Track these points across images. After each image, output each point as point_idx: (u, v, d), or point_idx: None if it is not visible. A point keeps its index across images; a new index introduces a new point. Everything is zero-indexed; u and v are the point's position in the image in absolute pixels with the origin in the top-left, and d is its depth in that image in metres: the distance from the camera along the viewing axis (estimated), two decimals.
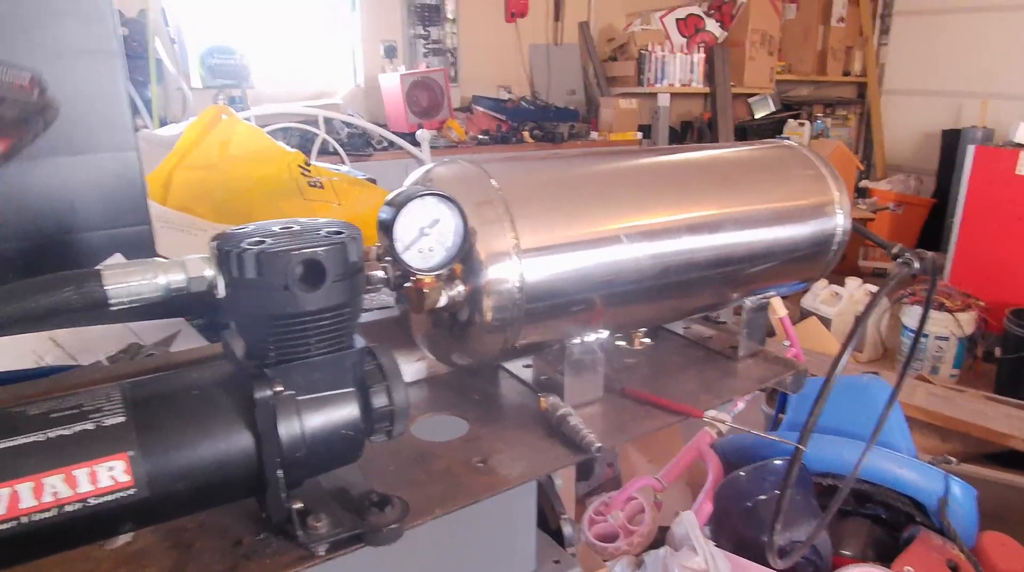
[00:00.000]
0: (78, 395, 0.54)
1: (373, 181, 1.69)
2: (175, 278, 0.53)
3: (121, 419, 0.52)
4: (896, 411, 1.83)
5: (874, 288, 3.50)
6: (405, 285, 0.68)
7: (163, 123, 2.85)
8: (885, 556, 1.54)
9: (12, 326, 0.50)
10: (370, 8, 3.88)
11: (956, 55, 5.24)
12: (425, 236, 0.66)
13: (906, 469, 1.61)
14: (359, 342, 0.61)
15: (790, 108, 5.38)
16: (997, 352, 3.21)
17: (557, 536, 1.31)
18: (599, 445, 0.73)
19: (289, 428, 0.55)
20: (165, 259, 0.55)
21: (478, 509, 0.68)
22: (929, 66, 5.47)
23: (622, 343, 1.03)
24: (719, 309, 1.04)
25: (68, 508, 0.49)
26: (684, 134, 4.96)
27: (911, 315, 3.31)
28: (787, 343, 1.58)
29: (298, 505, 0.58)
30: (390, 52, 3.83)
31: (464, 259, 0.71)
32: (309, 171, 1.33)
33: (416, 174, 0.80)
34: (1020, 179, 3.60)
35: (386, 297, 0.75)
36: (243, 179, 1.21)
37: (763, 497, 1.58)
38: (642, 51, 4.58)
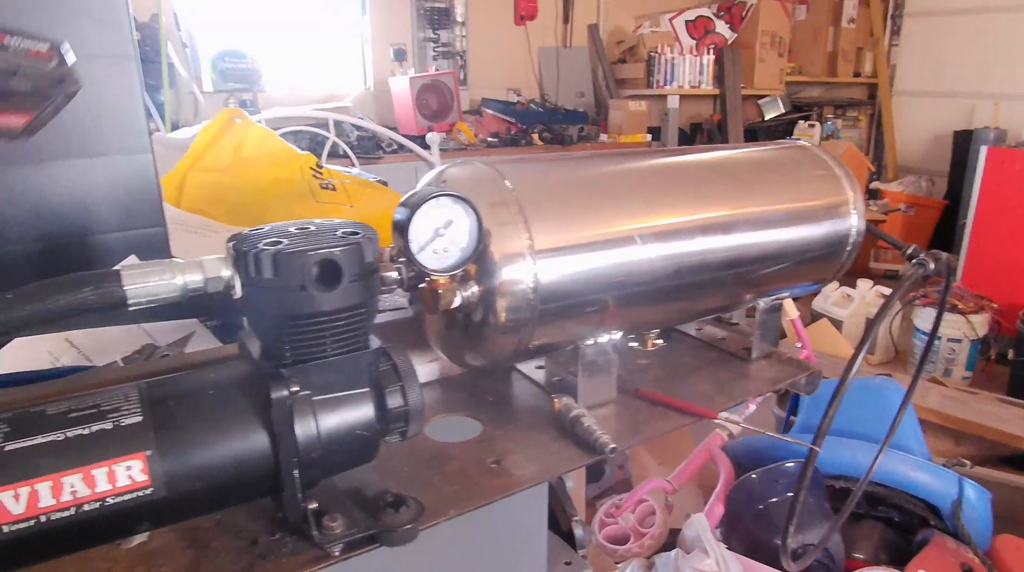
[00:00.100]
0: (95, 395, 0.54)
1: (384, 183, 1.69)
2: (192, 278, 0.54)
3: (139, 419, 0.52)
4: (909, 413, 1.82)
5: (886, 290, 3.48)
6: (419, 286, 0.68)
7: (175, 127, 2.88)
8: (898, 560, 1.53)
9: (32, 326, 0.51)
10: (380, 11, 3.90)
11: (968, 56, 5.21)
12: (440, 237, 0.66)
13: (920, 472, 1.60)
14: (374, 343, 0.61)
15: (800, 109, 5.36)
16: (1010, 354, 3.18)
17: (568, 538, 1.30)
18: (613, 446, 0.73)
19: (305, 428, 0.55)
20: (180, 260, 0.56)
21: (490, 510, 0.68)
22: (940, 67, 5.44)
23: (635, 344, 1.03)
24: (732, 310, 1.04)
25: (86, 507, 0.50)
26: (694, 136, 4.95)
27: (923, 317, 3.29)
28: (799, 345, 1.57)
29: (313, 505, 0.58)
30: (400, 55, 3.84)
31: (478, 260, 0.71)
32: (321, 173, 1.34)
33: (430, 175, 0.80)
34: None
35: (399, 298, 0.76)
36: (256, 181, 1.21)
37: (775, 499, 1.58)
38: (651, 53, 4.57)
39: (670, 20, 4.67)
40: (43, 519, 0.48)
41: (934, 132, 5.46)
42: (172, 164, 1.26)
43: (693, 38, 4.71)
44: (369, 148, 3.22)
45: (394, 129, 3.38)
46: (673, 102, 4.41)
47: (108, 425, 0.51)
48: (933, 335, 1.19)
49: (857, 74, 5.66)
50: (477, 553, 0.77)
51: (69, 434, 0.50)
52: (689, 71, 4.61)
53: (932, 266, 1.03)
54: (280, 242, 0.54)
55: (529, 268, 0.72)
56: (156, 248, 0.99)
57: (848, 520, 1.57)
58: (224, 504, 0.57)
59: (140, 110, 0.97)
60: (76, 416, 0.51)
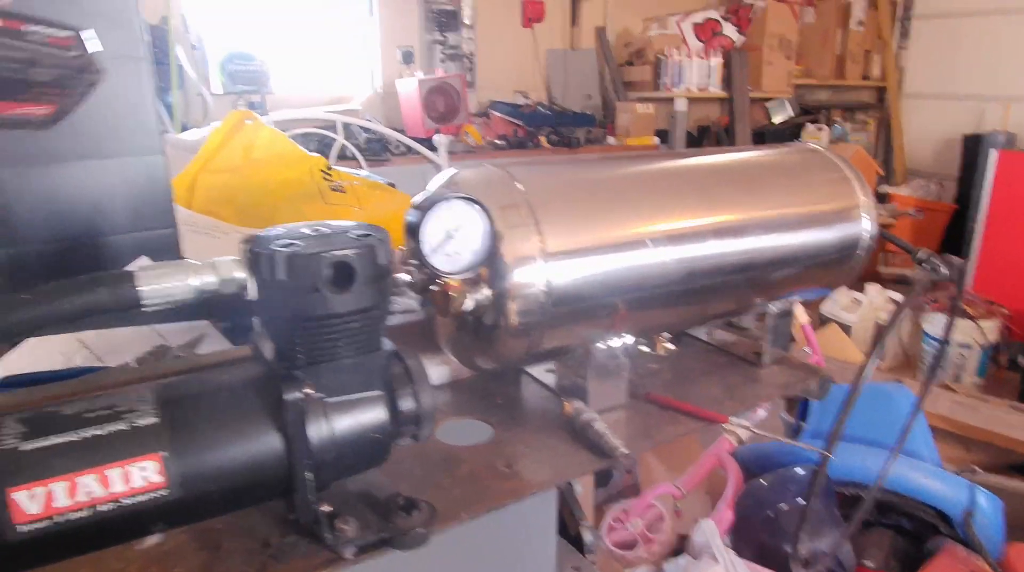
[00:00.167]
0: (111, 396, 0.54)
1: (392, 185, 1.70)
2: (207, 280, 0.54)
3: (154, 420, 0.52)
4: (920, 420, 1.80)
5: (895, 295, 3.46)
6: (431, 288, 0.68)
7: (184, 128, 2.89)
8: (908, 568, 1.52)
9: (48, 326, 0.51)
10: (388, 14, 3.90)
11: (977, 59, 5.18)
12: (451, 239, 0.66)
13: (930, 479, 1.59)
14: (387, 345, 0.61)
15: (808, 112, 5.34)
16: (1021, 360, 3.16)
17: (577, 543, 1.30)
18: (626, 452, 0.73)
19: (318, 430, 0.55)
20: (194, 261, 0.56)
21: (500, 514, 0.68)
22: (950, 70, 5.41)
23: (645, 348, 1.03)
24: (743, 314, 1.03)
25: (101, 508, 0.50)
26: (701, 139, 4.94)
27: (932, 322, 3.26)
28: (808, 350, 1.56)
29: (326, 507, 0.58)
30: (407, 58, 3.84)
31: (490, 263, 0.70)
32: (330, 175, 1.34)
33: (441, 177, 0.80)
34: None
35: (409, 301, 0.75)
36: (266, 183, 1.22)
37: (785, 505, 1.56)
38: (659, 56, 4.56)
39: (678, 23, 4.66)
40: (59, 519, 0.48)
41: (943, 135, 5.43)
42: (181, 165, 1.27)
43: (701, 40, 4.70)
44: (377, 150, 3.22)
45: (402, 131, 3.38)
46: (681, 105, 4.40)
47: (124, 426, 0.51)
48: (946, 341, 1.18)
49: (866, 77, 5.64)
50: (486, 557, 0.77)
51: (85, 435, 0.50)
52: (697, 74, 4.59)
53: (944, 270, 1.02)
54: (294, 244, 0.54)
55: (540, 271, 0.72)
56: (167, 249, 0.99)
57: (858, 527, 1.56)
58: (237, 505, 0.57)
59: (152, 112, 0.97)
60: (92, 417, 0.51)
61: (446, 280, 0.68)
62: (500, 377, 0.93)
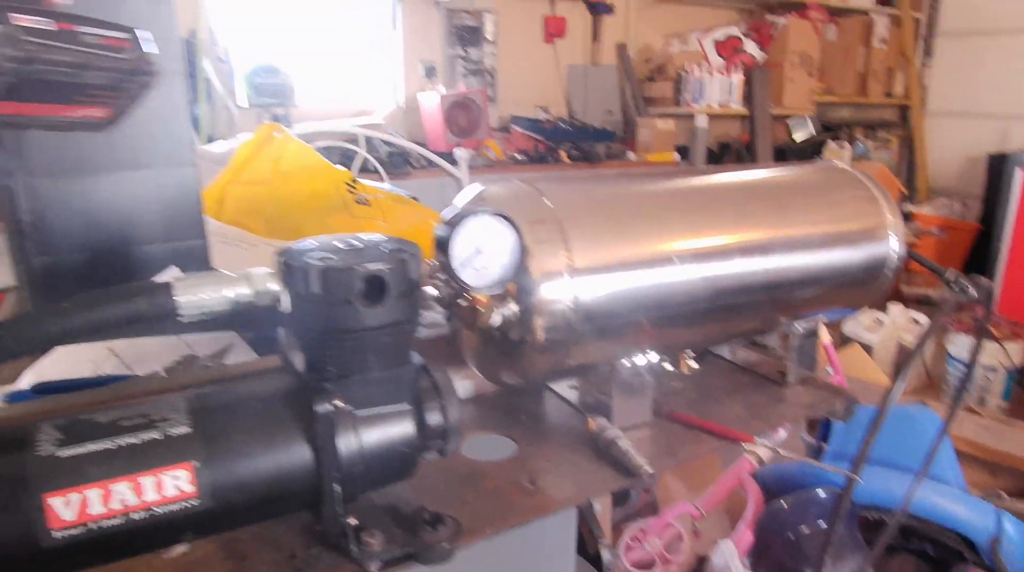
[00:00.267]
0: (145, 404, 0.55)
1: (415, 199, 1.71)
2: (241, 291, 0.55)
3: (187, 429, 0.53)
4: (945, 443, 1.77)
5: (918, 315, 3.41)
6: (459, 303, 0.69)
7: (210, 140, 2.93)
8: None
9: (86, 335, 0.52)
10: (411, 29, 3.95)
11: (1002, 77, 5.13)
12: (480, 254, 0.66)
13: (956, 504, 1.55)
14: (416, 359, 0.61)
15: (829, 130, 5.32)
16: None
17: (595, 562, 1.29)
18: (651, 471, 0.72)
19: (347, 442, 0.56)
20: (228, 272, 0.57)
21: (520, 531, 0.67)
22: (974, 88, 5.36)
23: (669, 366, 1.02)
24: (768, 332, 1.02)
25: (134, 516, 0.50)
26: (722, 155, 4.92)
27: (957, 343, 3.21)
28: (830, 370, 1.54)
29: (352, 520, 0.58)
30: (430, 72, 3.88)
31: (518, 278, 0.71)
32: (355, 188, 1.36)
33: (469, 192, 0.80)
34: None
35: (435, 314, 0.76)
36: (294, 195, 1.23)
37: (806, 528, 1.54)
38: (680, 72, 4.57)
39: (699, 39, 4.67)
40: (92, 526, 0.49)
41: (967, 154, 5.37)
42: (208, 177, 1.29)
43: (722, 57, 4.70)
44: (398, 163, 3.24)
45: (423, 145, 3.41)
46: (701, 121, 4.40)
47: (157, 435, 0.52)
48: (973, 364, 1.16)
49: (888, 95, 5.60)
50: None
51: (120, 442, 0.51)
52: (718, 90, 4.59)
53: (973, 292, 1.01)
54: (328, 257, 0.55)
55: (568, 286, 0.72)
56: (197, 260, 1.01)
57: (881, 552, 1.53)
58: (265, 516, 0.58)
59: (186, 124, 0.99)
60: (127, 425, 0.52)
61: (474, 295, 0.68)
62: (523, 393, 0.93)
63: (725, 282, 0.83)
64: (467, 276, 0.66)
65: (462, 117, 3.60)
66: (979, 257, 4.73)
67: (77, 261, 0.93)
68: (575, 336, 0.73)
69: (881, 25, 5.37)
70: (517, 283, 0.71)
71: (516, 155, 3.81)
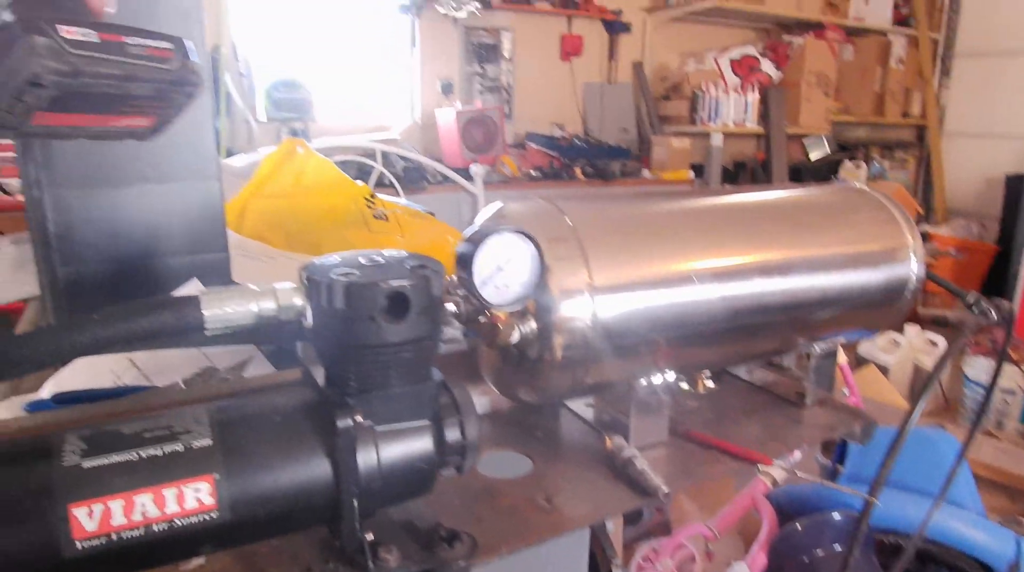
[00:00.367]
0: (168, 416, 0.55)
1: (431, 214, 1.72)
2: (266, 306, 0.55)
3: (208, 442, 0.53)
4: (963, 467, 1.75)
5: (934, 336, 3.38)
6: (479, 320, 0.69)
7: (229, 154, 2.97)
8: None
9: (113, 346, 0.52)
10: (429, 46, 3.99)
11: (1020, 98, 5.10)
12: (502, 271, 0.67)
13: (975, 529, 1.53)
14: (436, 375, 0.61)
15: (845, 149, 5.30)
16: None
17: None
18: (667, 491, 0.72)
19: (367, 458, 0.56)
20: (253, 286, 0.57)
21: (532, 550, 0.67)
22: (992, 109, 5.34)
23: (686, 386, 1.02)
24: (787, 353, 1.02)
25: (155, 527, 0.51)
26: (737, 174, 4.92)
27: (974, 365, 3.18)
28: (846, 391, 1.53)
29: (369, 536, 0.58)
30: (447, 89, 3.92)
31: (537, 295, 0.71)
32: (374, 203, 1.37)
33: (489, 210, 0.81)
34: None
35: (454, 331, 0.76)
36: (314, 209, 1.24)
37: (821, 552, 1.52)
38: (696, 90, 4.59)
39: (715, 58, 4.68)
40: (114, 537, 0.49)
41: (985, 175, 5.34)
42: (228, 190, 1.30)
43: (738, 76, 4.71)
44: (414, 178, 3.27)
45: (439, 160, 3.43)
46: (717, 139, 4.40)
47: (180, 447, 0.52)
48: (992, 387, 1.15)
49: (905, 115, 5.59)
50: None
51: (143, 454, 0.51)
52: (734, 109, 4.60)
53: (994, 315, 1.00)
54: (352, 273, 0.55)
55: (587, 304, 0.72)
56: (218, 273, 1.02)
57: None
58: (283, 530, 0.58)
59: (211, 138, 1.01)
60: (150, 436, 0.52)
61: (494, 312, 0.69)
62: (539, 410, 0.93)
63: (744, 302, 0.83)
64: (488, 293, 0.66)
65: (478, 133, 3.63)
66: (997, 279, 4.69)
67: (101, 272, 0.94)
68: (593, 354, 0.73)
69: (898, 45, 5.37)
70: (537, 301, 0.71)
71: (531, 171, 3.83)
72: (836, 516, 1.55)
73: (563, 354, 0.72)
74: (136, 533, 0.50)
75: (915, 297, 1.00)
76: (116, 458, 0.51)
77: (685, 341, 0.82)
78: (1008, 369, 3.11)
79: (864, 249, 0.95)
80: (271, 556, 0.62)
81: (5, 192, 1.18)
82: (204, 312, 0.53)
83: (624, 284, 0.75)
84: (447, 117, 3.69)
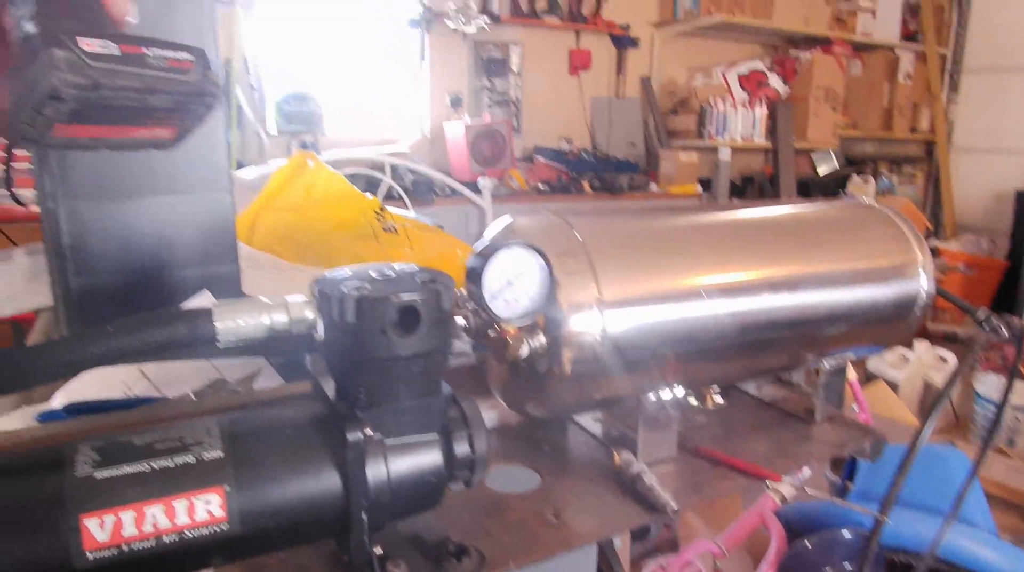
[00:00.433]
0: (179, 427, 0.56)
1: (440, 227, 1.73)
2: (278, 318, 0.55)
3: (219, 454, 0.53)
4: (974, 485, 1.73)
5: (944, 352, 3.36)
6: (489, 334, 0.69)
7: (239, 166, 2.99)
8: None
9: (128, 357, 0.53)
10: (438, 60, 4.03)
11: None
12: (511, 286, 0.67)
13: (987, 549, 1.51)
14: (445, 389, 0.62)
15: (853, 164, 5.30)
16: None
17: None
18: (676, 508, 0.71)
19: (376, 471, 0.56)
20: (265, 299, 0.58)
21: (539, 565, 0.67)
22: (1001, 124, 5.33)
23: (694, 401, 1.02)
24: (796, 369, 1.02)
25: (165, 539, 0.51)
26: (745, 188, 4.92)
27: (984, 382, 3.15)
28: (855, 407, 1.51)
29: (378, 549, 0.58)
30: (456, 102, 3.95)
31: (547, 310, 0.71)
32: (383, 216, 1.38)
33: (499, 224, 0.81)
34: None
35: (462, 344, 0.76)
36: (324, 222, 1.25)
37: (830, 570, 1.50)
38: (703, 105, 4.60)
39: (723, 73, 4.70)
40: (125, 548, 0.49)
41: (994, 190, 5.32)
42: (239, 202, 1.31)
43: (746, 91, 4.73)
44: (422, 191, 3.29)
45: (447, 174, 3.45)
46: (725, 154, 4.41)
47: (191, 459, 0.52)
48: (1004, 404, 1.14)
49: (914, 130, 5.59)
50: None
51: (155, 465, 0.51)
52: (741, 124, 4.61)
53: (1005, 332, 0.99)
54: (363, 286, 0.55)
55: (596, 319, 0.72)
56: (229, 285, 1.02)
57: None
58: (292, 542, 0.58)
59: (223, 150, 1.02)
60: (162, 448, 0.52)
61: (503, 326, 0.69)
62: (547, 424, 0.93)
63: (752, 318, 0.83)
64: (498, 307, 0.66)
65: (487, 147, 3.65)
66: (1007, 294, 4.66)
67: (113, 283, 0.95)
68: (602, 368, 0.74)
69: (906, 61, 5.38)
70: (546, 315, 0.72)
71: (539, 185, 3.84)
72: (846, 534, 1.53)
73: (572, 368, 0.72)
74: (146, 544, 0.50)
75: (925, 313, 0.99)
76: (128, 469, 0.51)
77: (694, 356, 0.82)
78: (1019, 386, 3.08)
79: (873, 265, 0.95)
80: (279, 569, 0.62)
81: (19, 203, 1.20)
82: (217, 324, 0.53)
83: (633, 299, 0.75)
84: (456, 130, 3.71)
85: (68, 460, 0.51)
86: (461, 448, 0.60)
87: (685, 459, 0.86)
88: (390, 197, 3.01)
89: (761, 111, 4.67)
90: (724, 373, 0.92)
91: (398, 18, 3.88)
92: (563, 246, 0.74)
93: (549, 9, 4.20)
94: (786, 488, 0.89)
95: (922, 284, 0.97)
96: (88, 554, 0.48)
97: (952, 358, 3.33)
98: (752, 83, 4.74)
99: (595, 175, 3.97)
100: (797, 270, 0.87)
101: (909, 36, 5.47)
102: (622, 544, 1.42)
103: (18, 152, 1.19)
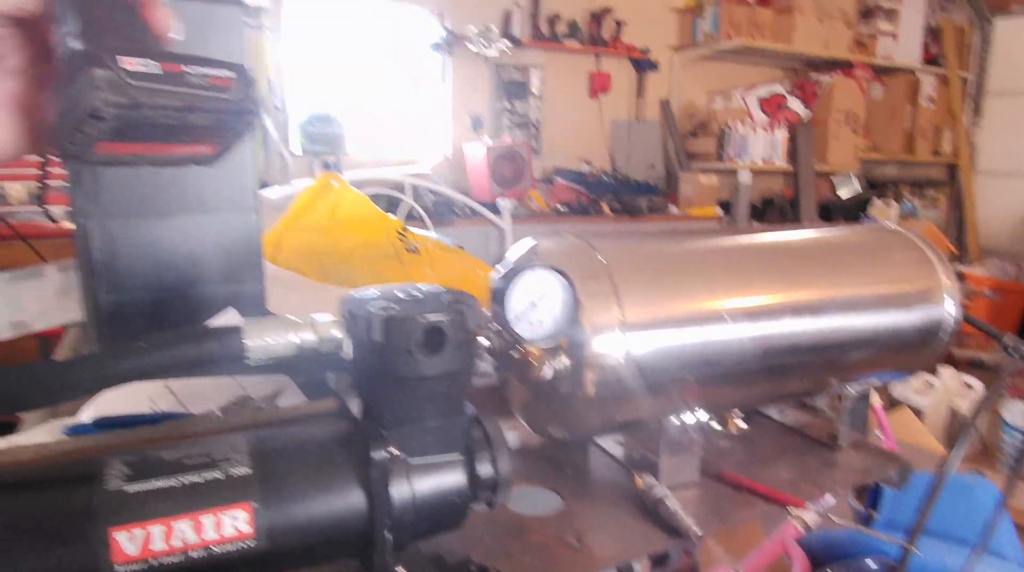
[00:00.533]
0: (206, 443, 0.56)
1: (460, 248, 1.74)
2: (307, 337, 0.56)
3: (247, 470, 0.54)
4: (1003, 516, 1.69)
5: (970, 378, 3.30)
6: (512, 355, 0.69)
7: (263, 186, 3.04)
8: None
9: (158, 373, 0.54)
10: (460, 82, 4.08)
11: None
12: (535, 307, 0.68)
13: None
14: (469, 409, 0.62)
15: (875, 187, 5.26)
16: None
17: None
18: (700, 533, 0.71)
19: (400, 491, 0.56)
20: (293, 317, 0.58)
21: None
22: None
23: (716, 426, 1.01)
24: (819, 394, 1.01)
25: (192, 554, 0.51)
26: (765, 211, 4.91)
27: (1012, 410, 3.09)
28: (879, 434, 1.49)
29: (401, 570, 0.58)
30: (476, 124, 3.99)
31: (570, 331, 0.71)
32: (406, 237, 1.39)
33: (522, 246, 0.82)
34: None
35: (485, 365, 0.77)
36: (348, 242, 1.27)
37: None
38: (723, 128, 4.61)
39: (742, 96, 4.71)
40: (153, 562, 0.50)
41: (1019, 214, 5.26)
42: (263, 221, 1.34)
43: (766, 113, 4.73)
44: (443, 212, 3.32)
45: (468, 194, 3.48)
46: (745, 177, 4.41)
47: (219, 474, 0.53)
48: None
49: (936, 153, 5.55)
50: None
51: (184, 480, 0.52)
52: (761, 146, 4.61)
53: None
54: (391, 307, 0.56)
55: (619, 341, 0.72)
56: (254, 303, 1.04)
57: None
58: (315, 561, 0.58)
59: (251, 170, 1.03)
60: (190, 463, 0.53)
61: (527, 347, 0.69)
62: (568, 446, 0.92)
63: (775, 342, 0.83)
64: (521, 329, 0.67)
65: (507, 168, 3.68)
66: None
67: (142, 300, 0.97)
68: (625, 391, 0.73)
69: (928, 84, 5.36)
70: (569, 337, 0.72)
71: (559, 206, 3.86)
72: (871, 563, 1.50)
73: (595, 390, 0.72)
74: (174, 559, 0.51)
75: (951, 339, 0.98)
76: (157, 484, 0.51)
77: (716, 380, 0.81)
78: None
79: (898, 290, 0.94)
80: None
81: (52, 219, 1.23)
82: (247, 342, 0.54)
83: (656, 321, 0.75)
84: (476, 152, 3.75)
85: (98, 473, 0.52)
86: (484, 469, 0.60)
87: (707, 484, 0.86)
88: (411, 217, 3.03)
89: (781, 134, 4.67)
90: (746, 397, 0.91)
91: (421, 41, 3.95)
92: (586, 268, 0.74)
93: (569, 33, 4.25)
94: (809, 515, 0.88)
95: (948, 309, 0.96)
96: (117, 567, 0.49)
97: (978, 384, 3.27)
98: (772, 106, 4.74)
99: (614, 197, 3.98)
100: (820, 294, 0.87)
101: (931, 60, 5.45)
102: (642, 570, 1.40)
103: (52, 170, 1.22)
